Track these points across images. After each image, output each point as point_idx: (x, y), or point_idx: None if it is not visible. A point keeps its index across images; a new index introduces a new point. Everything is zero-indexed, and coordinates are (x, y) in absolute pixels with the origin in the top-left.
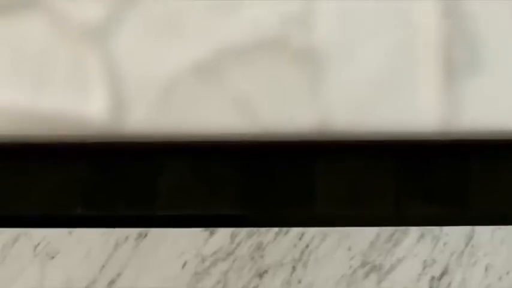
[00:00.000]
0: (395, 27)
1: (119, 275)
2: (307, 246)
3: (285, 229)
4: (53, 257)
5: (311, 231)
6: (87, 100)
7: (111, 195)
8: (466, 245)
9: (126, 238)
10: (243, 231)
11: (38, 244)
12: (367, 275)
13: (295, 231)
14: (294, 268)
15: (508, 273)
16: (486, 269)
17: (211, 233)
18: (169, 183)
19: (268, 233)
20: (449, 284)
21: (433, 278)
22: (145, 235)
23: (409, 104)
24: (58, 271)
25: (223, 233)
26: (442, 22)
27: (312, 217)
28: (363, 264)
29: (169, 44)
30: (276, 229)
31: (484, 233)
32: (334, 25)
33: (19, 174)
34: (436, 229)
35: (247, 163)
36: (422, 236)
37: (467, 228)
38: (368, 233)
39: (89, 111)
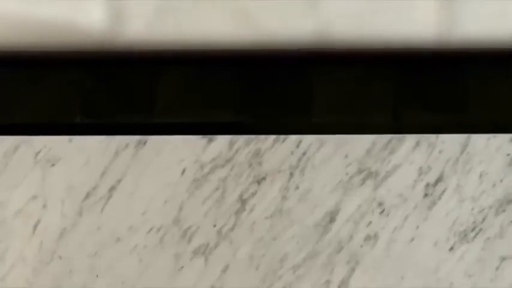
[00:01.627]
0: None
1: (119, 181)
2: (304, 153)
3: (282, 136)
4: (53, 164)
5: (308, 139)
6: (87, 9)
7: (111, 103)
8: (461, 152)
9: (126, 145)
10: (241, 139)
11: (39, 152)
12: (363, 181)
13: (293, 138)
14: (291, 175)
15: (502, 180)
16: (480, 176)
17: (210, 141)
18: (168, 91)
19: (266, 140)
20: (444, 190)
21: (428, 184)
22: (145, 142)
23: (407, 14)
24: (59, 178)
25: (221, 141)
26: None
27: (309, 125)
28: (359, 171)
29: None
30: (273, 136)
31: (479, 140)
32: None
33: (19, 83)
34: (431, 137)
35: (246, 72)
36: (418, 143)
37: (462, 136)
38: (364, 140)
39: (89, 20)
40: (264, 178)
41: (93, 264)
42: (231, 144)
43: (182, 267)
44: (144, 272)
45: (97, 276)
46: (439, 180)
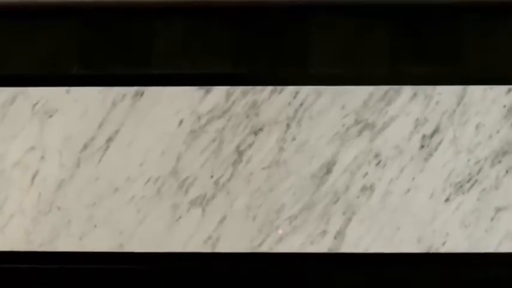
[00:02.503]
0: None
1: (116, 132)
2: (301, 104)
3: (279, 87)
4: (51, 116)
5: (305, 90)
6: None
7: (108, 54)
8: (458, 104)
9: (123, 97)
10: (238, 90)
11: (36, 103)
12: (360, 132)
13: (290, 89)
14: (288, 126)
15: (498, 131)
16: (477, 128)
17: (207, 92)
18: (166, 42)
19: (263, 92)
20: (440, 142)
21: (424, 136)
22: (142, 94)
23: None
24: (57, 129)
25: (218, 92)
26: None
27: (306, 76)
28: (356, 122)
29: None
30: (270, 87)
31: (475, 92)
32: None
33: (16, 34)
34: (428, 88)
35: (243, 22)
36: (415, 95)
37: (459, 88)
38: (361, 91)
39: None
40: (261, 129)
41: (92, 215)
42: (228, 95)
43: (180, 217)
44: (142, 222)
45: (95, 226)
46: (435, 131)
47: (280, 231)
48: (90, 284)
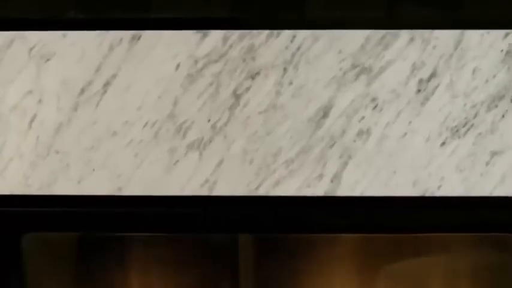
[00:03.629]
0: None
1: (113, 76)
2: (298, 48)
3: (276, 31)
4: (48, 60)
5: (302, 34)
6: None
7: None
8: (455, 48)
9: (120, 40)
10: (235, 34)
11: (33, 47)
12: (357, 77)
13: (287, 33)
14: (285, 70)
15: (494, 76)
16: (474, 72)
17: (204, 36)
18: None
19: (260, 35)
20: (437, 86)
21: (421, 80)
22: (139, 38)
23: None
24: (54, 73)
25: (215, 36)
26: None
27: (303, 19)
28: (353, 66)
29: None
30: (267, 31)
31: (473, 36)
32: None
33: None
34: (426, 32)
35: None
36: (412, 39)
37: (456, 32)
38: (359, 35)
39: None
40: (257, 73)
41: (90, 159)
42: (225, 39)
43: (177, 161)
44: (140, 165)
45: (93, 170)
46: (432, 76)
47: (277, 176)
48: (88, 226)
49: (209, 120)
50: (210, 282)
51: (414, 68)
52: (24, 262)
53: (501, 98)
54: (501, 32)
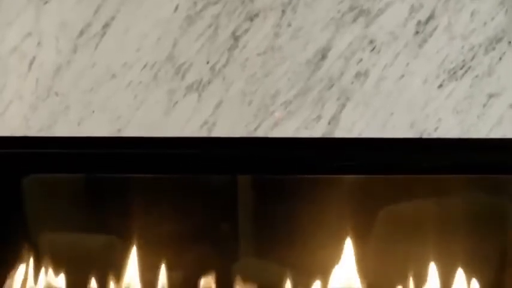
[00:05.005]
0: None
1: (112, 18)
2: None
3: None
4: (46, 2)
5: None
6: None
7: None
8: None
9: None
10: None
11: None
12: (355, 19)
13: None
14: (283, 12)
15: (493, 18)
16: (472, 14)
17: None
18: None
19: None
20: (435, 28)
21: (419, 22)
22: None
23: None
24: (53, 15)
25: None
26: None
27: None
28: (351, 8)
29: None
30: None
31: None
32: None
33: None
34: None
35: None
36: None
37: None
38: None
39: None
40: (256, 15)
41: (89, 100)
42: None
43: (176, 102)
44: (139, 107)
45: (93, 112)
46: (430, 17)
47: (277, 115)
48: (88, 168)
49: (208, 62)
50: (209, 223)
51: (412, 10)
52: (24, 203)
53: (499, 40)
54: None
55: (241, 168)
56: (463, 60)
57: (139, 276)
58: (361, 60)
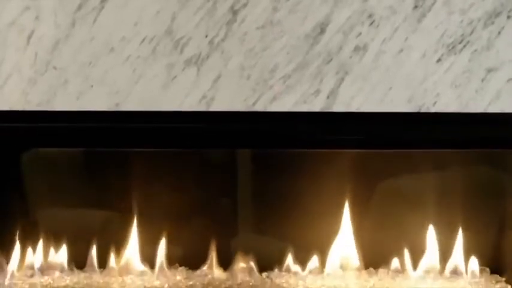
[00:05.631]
0: None
1: None
2: None
3: None
4: None
5: None
6: None
7: None
8: None
9: None
10: None
11: None
12: None
13: None
14: None
15: None
16: None
17: None
18: None
19: None
20: (434, 2)
21: None
22: None
23: None
24: None
25: None
26: None
27: None
28: None
29: None
30: None
31: None
32: None
33: None
34: None
35: None
36: None
37: None
38: None
39: None
40: None
41: (88, 74)
42: None
43: (175, 77)
44: (138, 81)
45: (92, 86)
46: None
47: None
48: (87, 142)
49: (206, 36)
50: (208, 197)
51: None
52: (24, 177)
53: (498, 14)
54: None
55: (240, 143)
56: (462, 35)
57: (139, 250)
58: (359, 34)
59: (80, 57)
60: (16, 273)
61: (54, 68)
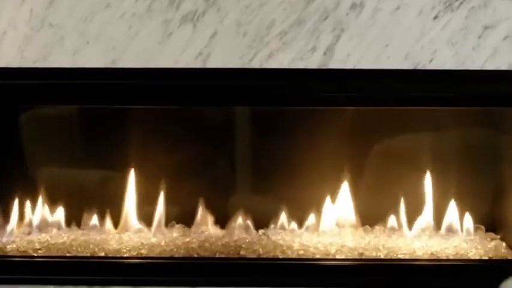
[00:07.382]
0: None
1: None
2: None
3: None
4: None
5: None
6: None
7: None
8: None
9: None
10: None
11: None
12: None
13: None
14: None
15: None
16: None
17: None
18: None
19: None
20: None
21: None
22: None
23: None
24: None
25: None
26: None
27: None
28: None
29: None
30: None
31: None
32: None
33: None
34: None
35: None
36: None
37: None
38: None
39: None
40: None
41: (84, 31)
42: None
43: (171, 33)
44: (134, 38)
45: (88, 42)
46: None
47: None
48: (83, 99)
49: None
50: (206, 154)
51: None
52: (21, 134)
53: None
54: None
55: (236, 100)
56: None
57: (136, 208)
58: None
59: (76, 14)
60: (15, 231)
61: (50, 24)
